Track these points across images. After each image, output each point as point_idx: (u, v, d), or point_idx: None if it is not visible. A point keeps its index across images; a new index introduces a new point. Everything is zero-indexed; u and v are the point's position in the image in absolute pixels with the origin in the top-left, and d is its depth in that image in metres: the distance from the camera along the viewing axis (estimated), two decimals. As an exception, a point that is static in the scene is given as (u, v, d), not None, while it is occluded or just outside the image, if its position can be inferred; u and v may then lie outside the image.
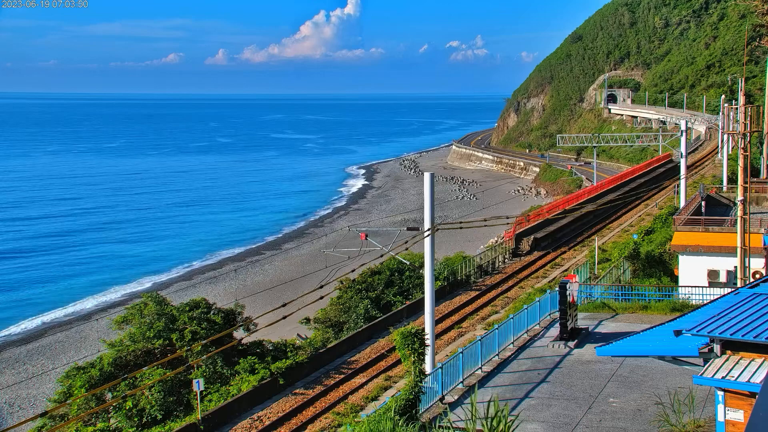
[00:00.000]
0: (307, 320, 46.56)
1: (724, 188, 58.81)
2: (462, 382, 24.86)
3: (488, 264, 57.41)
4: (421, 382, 20.83)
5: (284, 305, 17.10)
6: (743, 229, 33.03)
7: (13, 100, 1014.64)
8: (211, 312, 38.61)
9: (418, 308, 43.81)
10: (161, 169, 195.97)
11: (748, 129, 33.81)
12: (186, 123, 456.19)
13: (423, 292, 36.77)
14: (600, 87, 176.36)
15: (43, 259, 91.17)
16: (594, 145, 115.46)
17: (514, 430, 15.54)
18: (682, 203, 53.98)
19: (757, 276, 34.64)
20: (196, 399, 32.88)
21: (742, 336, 15.10)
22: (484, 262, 57.09)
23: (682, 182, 55.56)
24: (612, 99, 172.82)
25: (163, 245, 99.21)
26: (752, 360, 15.24)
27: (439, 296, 47.91)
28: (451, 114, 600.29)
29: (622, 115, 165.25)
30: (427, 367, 25.06)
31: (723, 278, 40.24)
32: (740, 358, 15.38)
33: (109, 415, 34.58)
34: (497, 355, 27.74)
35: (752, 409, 9.73)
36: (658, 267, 47.29)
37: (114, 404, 33.93)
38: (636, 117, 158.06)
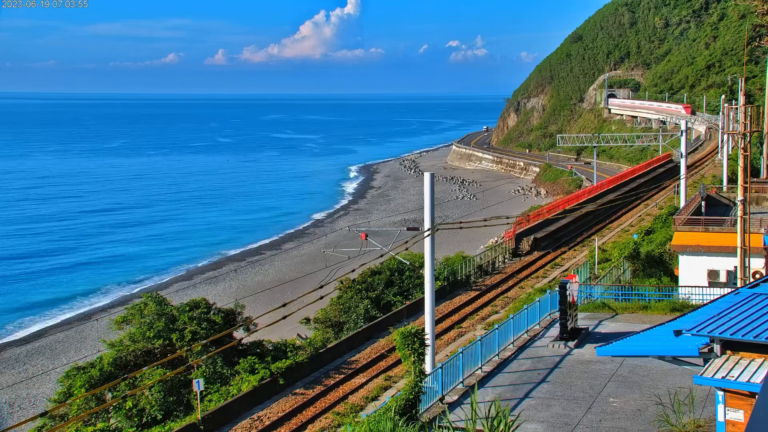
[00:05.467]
0: (307, 320, 46.55)
1: (724, 188, 58.79)
2: (462, 382, 24.86)
3: (488, 264, 57.41)
4: (421, 382, 20.83)
5: (284, 305, 17.10)
6: (743, 229, 33.03)
7: (12, 100, 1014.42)
8: (211, 312, 38.62)
9: (418, 308, 43.80)
10: (161, 169, 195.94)
11: (748, 129, 33.81)
12: (186, 123, 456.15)
13: (423, 292, 36.77)
14: (600, 87, 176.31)
15: (42, 258, 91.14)
16: (594, 145, 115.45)
17: (514, 430, 15.54)
18: (682, 203, 53.98)
19: (757, 276, 34.64)
20: (196, 399, 32.89)
21: (742, 336, 15.10)
22: (484, 262, 57.09)
23: (682, 182, 55.56)
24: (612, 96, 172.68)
25: (163, 245, 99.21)
26: (752, 360, 15.24)
27: (439, 296, 47.90)
28: (451, 114, 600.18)
29: (622, 115, 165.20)
30: (427, 367, 25.05)
31: (723, 278, 40.23)
32: (740, 358, 15.38)
33: (109, 415, 34.58)
34: (497, 355, 27.74)
35: (752, 409, 9.74)
36: (658, 267, 47.26)
37: (114, 404, 33.94)
38: (636, 117, 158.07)
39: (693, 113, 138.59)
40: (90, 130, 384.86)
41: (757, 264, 37.15)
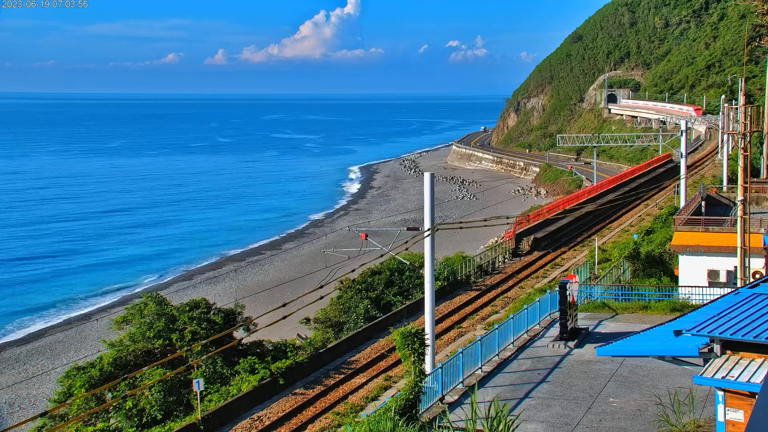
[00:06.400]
0: (307, 320, 46.56)
1: (724, 188, 58.79)
2: (462, 382, 24.86)
3: (488, 264, 57.41)
4: (421, 382, 20.83)
5: (284, 305, 17.10)
6: (743, 229, 33.03)
7: (12, 100, 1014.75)
8: (211, 312, 38.61)
9: (418, 308, 43.81)
10: (161, 169, 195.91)
11: (748, 129, 33.81)
12: (186, 123, 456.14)
13: (423, 292, 36.77)
14: (600, 87, 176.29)
15: (43, 259, 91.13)
16: (594, 145, 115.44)
17: (514, 430, 15.54)
18: (682, 203, 53.98)
19: (757, 276, 34.63)
20: (196, 399, 32.88)
21: (742, 336, 15.10)
22: (484, 262, 57.08)
23: (682, 182, 55.56)
24: (612, 99, 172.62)
25: (163, 245, 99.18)
26: (752, 360, 15.24)
27: (439, 296, 47.91)
28: (450, 114, 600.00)
29: (622, 115, 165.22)
30: (427, 367, 25.05)
31: (723, 278, 40.23)
32: (740, 358, 15.38)
33: (109, 415, 34.58)
34: (497, 355, 27.74)
35: (752, 409, 9.74)
36: (658, 267, 47.26)
37: (114, 404, 33.94)
38: (636, 117, 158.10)
39: (705, 114, 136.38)
40: (90, 130, 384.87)
41: (757, 264, 37.15)
